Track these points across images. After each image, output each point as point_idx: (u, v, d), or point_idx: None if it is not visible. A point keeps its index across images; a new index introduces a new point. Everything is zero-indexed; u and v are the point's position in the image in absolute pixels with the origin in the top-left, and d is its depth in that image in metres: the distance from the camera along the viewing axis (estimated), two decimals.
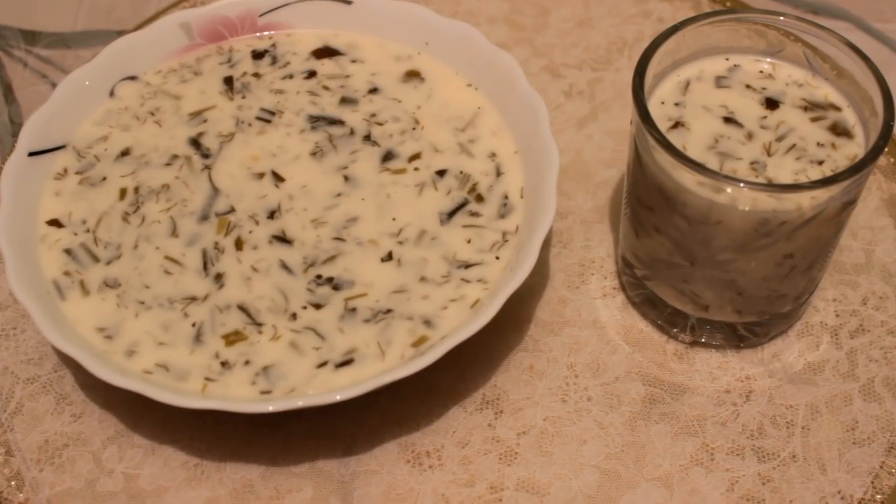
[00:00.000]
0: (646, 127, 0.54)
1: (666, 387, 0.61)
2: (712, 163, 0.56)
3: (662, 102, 0.59)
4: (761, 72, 0.60)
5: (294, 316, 0.57)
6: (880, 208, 0.69)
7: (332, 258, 0.59)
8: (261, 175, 0.63)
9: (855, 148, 0.57)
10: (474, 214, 0.60)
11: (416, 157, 0.63)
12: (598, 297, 0.65)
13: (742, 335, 0.62)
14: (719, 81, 0.60)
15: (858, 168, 0.53)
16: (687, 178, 0.54)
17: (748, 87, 0.59)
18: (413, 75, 0.67)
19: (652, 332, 0.64)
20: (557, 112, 0.74)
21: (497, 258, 0.59)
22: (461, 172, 0.62)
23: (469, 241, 0.59)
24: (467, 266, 0.58)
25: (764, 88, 0.59)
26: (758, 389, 0.61)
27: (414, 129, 0.64)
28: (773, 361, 0.62)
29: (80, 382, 0.61)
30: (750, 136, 0.57)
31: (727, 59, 0.61)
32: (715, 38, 0.60)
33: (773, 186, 0.53)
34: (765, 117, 0.58)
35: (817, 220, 0.55)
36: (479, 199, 0.61)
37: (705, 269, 0.58)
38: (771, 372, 0.62)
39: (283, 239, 0.60)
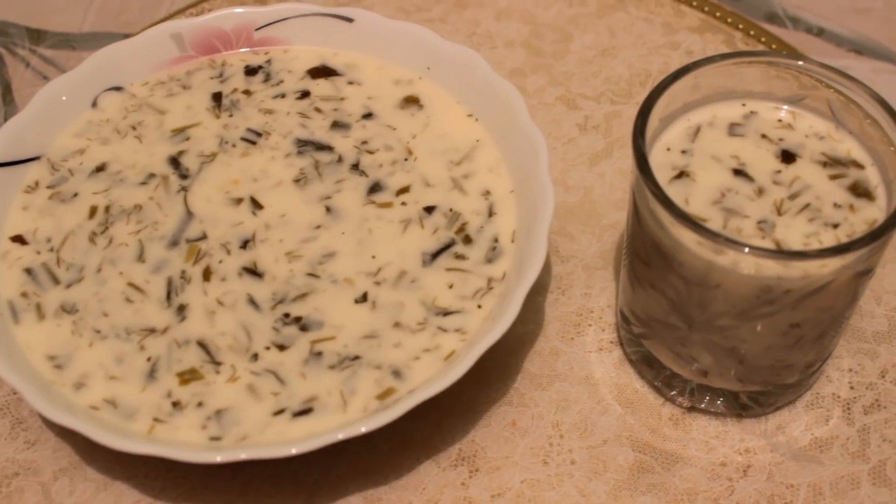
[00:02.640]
0: (642, 177, 0.50)
1: (657, 455, 0.57)
2: (716, 219, 0.51)
3: (668, 149, 0.54)
4: (780, 120, 0.55)
5: (255, 356, 0.53)
6: None
7: (303, 296, 0.55)
8: (239, 200, 0.59)
9: (875, 212, 0.52)
10: (460, 257, 0.56)
11: (404, 190, 0.59)
12: (594, 350, 0.61)
13: (745, 404, 0.57)
14: (733, 129, 0.55)
15: (875, 236, 0.48)
16: (685, 236, 0.49)
17: (764, 136, 0.54)
18: (411, 101, 0.63)
19: (648, 392, 0.59)
20: (570, 146, 0.70)
21: (479, 307, 0.54)
22: (451, 210, 0.58)
23: (451, 287, 0.55)
24: (446, 314, 0.54)
25: (781, 139, 0.54)
26: (757, 464, 0.56)
27: (406, 159, 0.60)
28: (776, 434, 0.57)
29: None
30: (760, 191, 0.52)
31: (744, 105, 0.56)
32: (732, 81, 0.56)
33: (776, 252, 0.48)
34: (779, 171, 0.53)
35: (827, 289, 0.50)
36: (467, 240, 0.57)
37: (703, 334, 0.53)
38: (773, 446, 0.57)
39: (253, 272, 0.56)
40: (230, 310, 0.55)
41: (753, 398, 0.57)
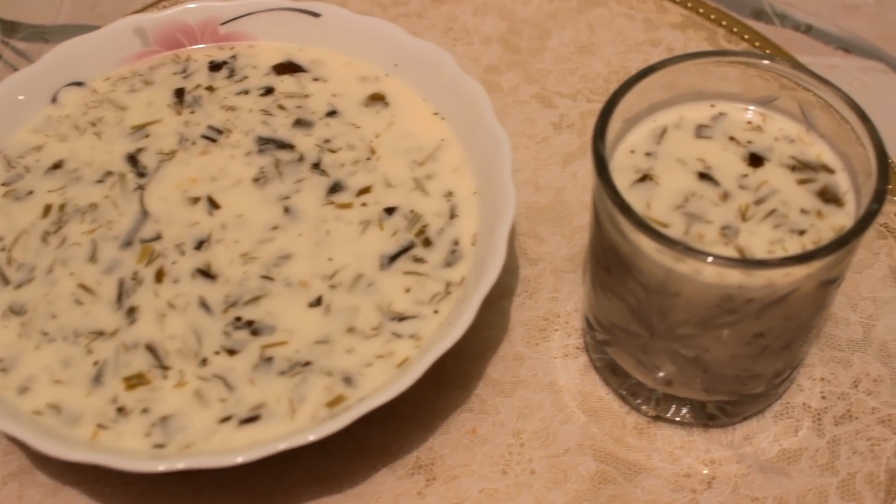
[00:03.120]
0: (600, 181, 0.48)
1: (620, 465, 0.55)
2: (678, 225, 0.49)
3: (632, 151, 0.52)
4: (749, 122, 0.54)
5: (204, 361, 0.52)
6: (887, 277, 0.62)
7: (256, 299, 0.54)
8: (196, 200, 0.58)
9: (843, 218, 0.50)
10: (418, 260, 0.55)
11: (365, 190, 0.58)
12: (559, 356, 0.59)
13: (712, 413, 0.56)
14: (700, 131, 0.53)
15: (840, 244, 0.46)
16: (644, 243, 0.48)
17: (732, 139, 0.53)
18: (377, 99, 0.62)
19: (613, 401, 0.57)
20: (543, 145, 0.68)
21: (436, 312, 0.53)
22: (412, 212, 0.57)
23: (408, 291, 0.54)
24: (401, 319, 0.53)
25: (750, 142, 0.53)
26: (722, 476, 0.55)
27: (368, 159, 0.59)
28: (743, 445, 0.56)
29: None
30: (725, 196, 0.51)
31: (712, 106, 0.54)
32: (701, 81, 0.54)
33: (736, 261, 0.46)
34: (745, 175, 0.51)
35: (791, 298, 0.48)
36: (427, 243, 0.55)
37: (665, 342, 0.52)
38: (740, 457, 0.55)
39: (207, 273, 0.55)
40: (181, 313, 0.53)
41: (720, 408, 0.56)
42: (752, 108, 0.54)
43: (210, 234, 0.56)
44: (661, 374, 0.54)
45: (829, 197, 0.51)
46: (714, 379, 0.53)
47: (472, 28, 0.75)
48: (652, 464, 0.55)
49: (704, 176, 0.51)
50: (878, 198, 0.47)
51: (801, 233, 0.49)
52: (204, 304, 0.54)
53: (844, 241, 0.46)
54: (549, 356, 0.59)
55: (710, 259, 0.46)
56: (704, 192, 0.51)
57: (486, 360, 0.59)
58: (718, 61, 0.53)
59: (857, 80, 0.77)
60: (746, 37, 0.74)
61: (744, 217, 0.50)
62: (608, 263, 0.51)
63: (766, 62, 0.52)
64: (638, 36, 0.74)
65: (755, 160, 0.52)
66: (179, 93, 0.63)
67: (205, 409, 0.50)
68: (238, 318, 0.53)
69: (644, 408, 0.57)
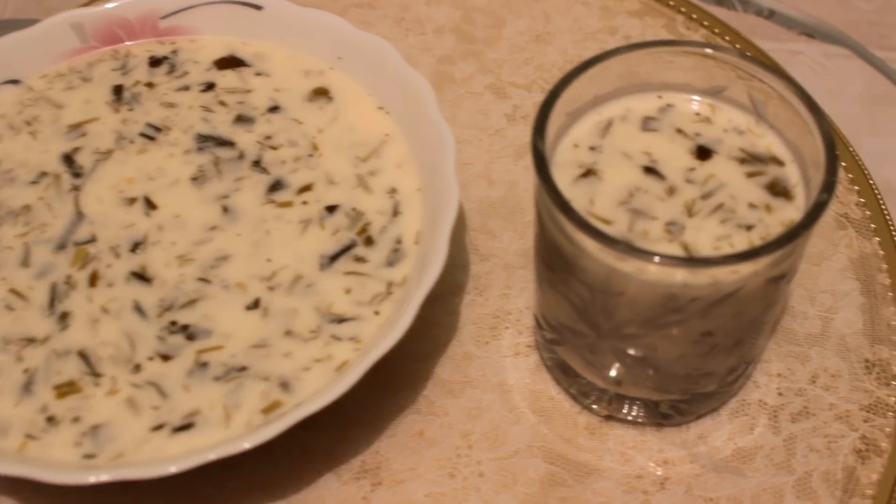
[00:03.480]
0: (539, 178, 0.47)
1: (570, 466, 0.54)
2: (622, 221, 0.48)
3: (576, 145, 0.51)
4: (698, 114, 0.52)
5: (137, 367, 0.50)
6: (846, 269, 0.60)
7: (192, 302, 0.52)
8: (132, 200, 0.56)
9: (792, 212, 0.48)
10: (360, 260, 0.53)
11: (306, 188, 0.56)
12: (509, 355, 0.58)
13: (665, 412, 0.55)
14: (647, 123, 0.51)
15: (785, 241, 0.45)
16: (585, 242, 0.46)
17: (679, 131, 0.51)
18: (320, 93, 0.60)
19: (564, 400, 0.56)
20: (496, 137, 0.66)
21: (376, 313, 0.51)
22: (354, 209, 0.55)
23: (348, 292, 0.52)
24: (341, 321, 0.51)
25: (698, 134, 0.51)
26: (675, 476, 0.53)
27: (311, 155, 0.57)
28: (697, 444, 0.54)
29: None
30: (671, 191, 0.49)
31: (660, 98, 0.52)
32: (648, 72, 0.52)
33: (676, 259, 0.45)
34: (692, 169, 0.50)
35: (738, 296, 0.46)
36: (369, 241, 0.54)
37: (611, 342, 0.50)
38: (693, 456, 0.54)
39: (142, 276, 0.53)
40: (115, 317, 0.52)
41: (674, 407, 0.54)
42: (700, 98, 0.52)
43: (146, 236, 0.54)
44: (610, 374, 0.52)
45: (778, 190, 0.49)
46: (664, 378, 0.52)
47: (424, 18, 0.73)
48: (603, 465, 0.54)
49: (650, 170, 0.50)
50: (827, 189, 0.46)
51: (749, 228, 0.48)
52: (138, 309, 0.52)
53: (791, 237, 0.45)
54: (500, 355, 0.58)
55: (653, 258, 0.44)
56: (650, 187, 0.49)
57: (435, 359, 0.57)
58: (665, 51, 0.51)
59: (821, 65, 0.75)
60: (706, 23, 0.72)
61: (690, 212, 0.48)
62: (552, 262, 0.50)
63: (713, 51, 0.50)
64: (594, 24, 0.73)
65: (703, 153, 0.51)
66: (118, 90, 0.61)
67: (137, 418, 0.49)
68: (173, 323, 0.52)
69: (596, 407, 0.55)
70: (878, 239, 0.62)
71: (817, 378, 0.57)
